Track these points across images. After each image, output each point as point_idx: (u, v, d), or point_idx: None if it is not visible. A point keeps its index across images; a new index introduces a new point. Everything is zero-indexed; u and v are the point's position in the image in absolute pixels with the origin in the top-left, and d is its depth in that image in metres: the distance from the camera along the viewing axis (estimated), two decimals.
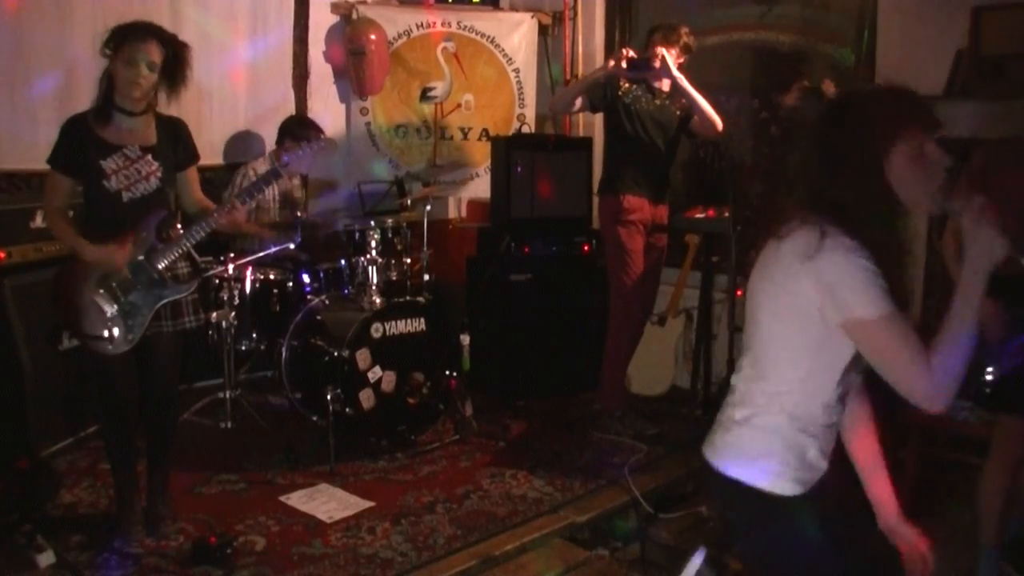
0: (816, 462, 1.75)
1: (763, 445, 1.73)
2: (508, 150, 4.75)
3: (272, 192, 4.65)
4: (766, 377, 1.75)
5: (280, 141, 4.67)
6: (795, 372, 1.71)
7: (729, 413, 1.82)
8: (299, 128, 4.64)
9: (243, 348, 4.26)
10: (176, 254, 3.01)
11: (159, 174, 3.00)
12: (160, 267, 2.99)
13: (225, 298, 4.06)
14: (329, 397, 3.73)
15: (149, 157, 2.98)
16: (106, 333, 2.93)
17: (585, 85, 4.25)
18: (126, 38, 2.84)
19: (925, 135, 1.58)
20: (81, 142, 2.90)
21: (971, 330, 1.54)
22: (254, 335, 4.27)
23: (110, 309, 2.94)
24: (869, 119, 1.60)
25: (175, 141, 3.08)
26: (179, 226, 3.05)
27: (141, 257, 2.96)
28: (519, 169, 4.69)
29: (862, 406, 1.88)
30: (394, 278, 4.26)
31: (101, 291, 2.94)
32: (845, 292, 1.56)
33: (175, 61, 2.92)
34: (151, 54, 2.85)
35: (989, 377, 2.74)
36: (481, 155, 5.53)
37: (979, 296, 1.55)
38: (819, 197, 1.62)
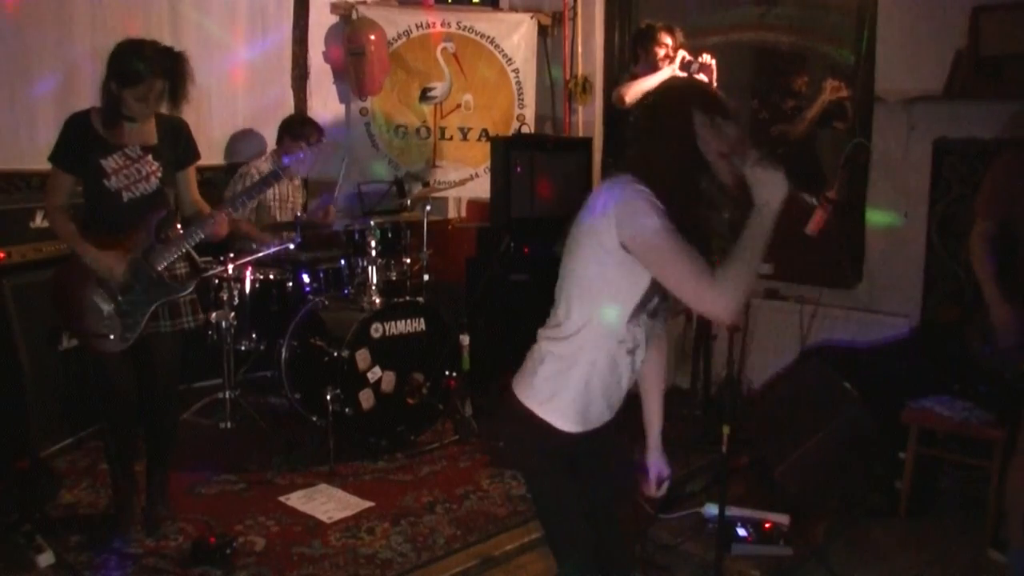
0: (599, 415, 1.94)
1: (554, 386, 1.91)
2: (508, 150, 4.75)
3: (274, 192, 4.64)
4: (560, 323, 1.92)
5: (280, 140, 4.66)
6: (588, 310, 1.87)
7: (537, 354, 1.97)
8: (300, 127, 4.63)
9: (243, 348, 4.25)
10: (175, 255, 3.02)
11: (159, 174, 3.00)
12: (159, 267, 2.99)
13: (225, 298, 4.06)
14: (329, 397, 3.73)
15: (149, 157, 2.98)
16: (103, 331, 2.93)
17: (656, 82, 4.09)
18: (133, 79, 2.81)
19: (715, 112, 1.83)
20: (83, 140, 2.91)
21: (758, 257, 1.75)
22: (254, 335, 4.27)
23: (107, 308, 2.94)
24: (677, 97, 1.91)
25: (176, 140, 3.08)
26: (179, 226, 3.06)
27: (140, 256, 2.96)
28: (519, 169, 4.69)
29: (659, 341, 2.07)
30: (394, 278, 4.26)
31: (100, 290, 2.94)
32: (625, 212, 1.78)
33: (177, 81, 2.91)
34: (156, 88, 2.86)
35: None
36: (481, 155, 5.53)
37: (770, 229, 1.75)
38: (634, 159, 1.89)
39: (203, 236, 3.03)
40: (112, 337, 2.94)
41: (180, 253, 3.03)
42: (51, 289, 3.03)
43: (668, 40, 4.09)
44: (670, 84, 2.05)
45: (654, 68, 4.20)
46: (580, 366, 1.89)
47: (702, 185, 1.85)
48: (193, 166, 3.18)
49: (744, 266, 1.73)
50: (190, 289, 3.09)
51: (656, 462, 2.15)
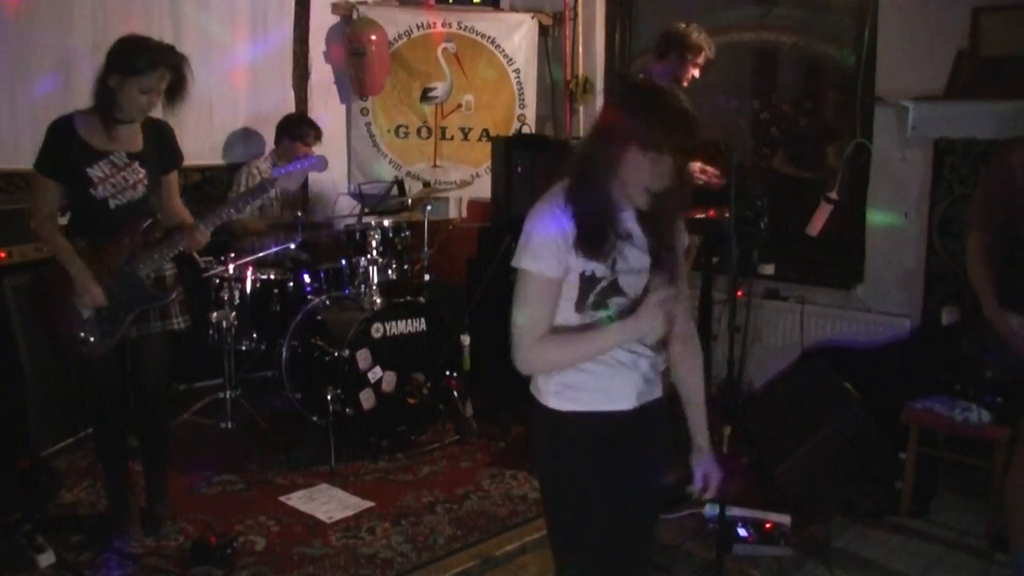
0: (606, 393, 1.91)
1: (551, 376, 1.94)
2: (508, 150, 4.74)
3: (276, 191, 4.63)
4: None
5: (279, 140, 4.67)
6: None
7: None
8: (298, 127, 4.64)
9: (243, 348, 4.25)
10: (157, 263, 2.99)
11: (146, 182, 2.97)
12: (142, 275, 2.96)
13: (225, 298, 4.05)
14: (329, 397, 3.74)
15: (136, 165, 2.95)
16: (81, 335, 2.91)
17: None
18: (142, 68, 2.80)
19: (654, 149, 1.77)
20: (67, 148, 2.87)
21: (583, 354, 1.85)
22: (254, 335, 4.27)
23: (87, 312, 2.91)
24: (620, 127, 1.82)
25: (161, 145, 3.05)
26: (158, 234, 3.02)
27: (123, 264, 2.94)
28: (519, 169, 4.69)
29: (687, 346, 2.06)
30: (394, 278, 4.26)
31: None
32: (520, 241, 1.85)
33: (178, 79, 2.90)
34: (162, 82, 2.85)
35: None
36: (481, 155, 5.53)
37: (611, 344, 1.83)
38: (567, 172, 1.91)
39: (181, 249, 3.02)
40: (91, 342, 2.92)
41: (163, 263, 3.01)
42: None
43: (701, 62, 4.00)
44: (622, 107, 1.89)
45: (675, 77, 4.02)
46: None
47: (611, 217, 1.85)
48: (175, 171, 3.16)
49: (564, 354, 1.84)
50: (173, 296, 3.07)
51: (700, 465, 2.12)
